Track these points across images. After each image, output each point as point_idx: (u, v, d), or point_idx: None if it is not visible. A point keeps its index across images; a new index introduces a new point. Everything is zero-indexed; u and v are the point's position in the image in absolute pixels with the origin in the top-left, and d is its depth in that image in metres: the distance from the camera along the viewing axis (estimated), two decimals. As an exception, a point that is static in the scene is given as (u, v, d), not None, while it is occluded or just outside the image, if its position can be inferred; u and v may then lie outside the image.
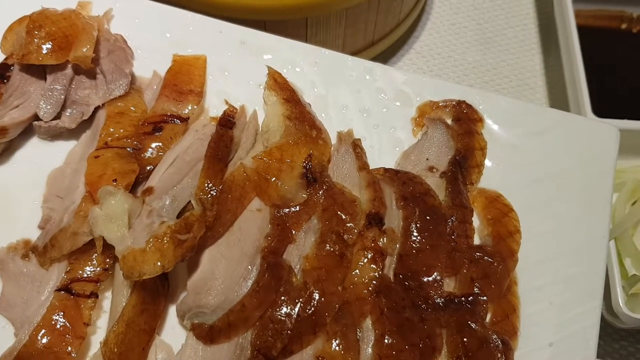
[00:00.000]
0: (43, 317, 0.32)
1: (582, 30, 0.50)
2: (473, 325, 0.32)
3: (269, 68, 0.40)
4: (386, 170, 0.37)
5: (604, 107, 0.46)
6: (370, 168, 0.37)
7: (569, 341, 0.34)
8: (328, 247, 0.33)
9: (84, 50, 0.38)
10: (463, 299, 0.32)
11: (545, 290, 0.35)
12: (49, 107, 0.37)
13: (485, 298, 0.33)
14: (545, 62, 0.54)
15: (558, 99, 0.51)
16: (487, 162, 0.38)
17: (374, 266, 0.33)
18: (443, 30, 0.55)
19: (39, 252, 0.34)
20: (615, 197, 0.45)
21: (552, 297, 0.35)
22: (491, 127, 0.39)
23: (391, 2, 0.48)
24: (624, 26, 0.53)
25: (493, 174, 0.38)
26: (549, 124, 0.39)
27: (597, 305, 0.35)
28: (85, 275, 0.33)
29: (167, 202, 0.34)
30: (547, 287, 0.35)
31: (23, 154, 0.38)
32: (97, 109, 0.38)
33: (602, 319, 0.42)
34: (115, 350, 0.30)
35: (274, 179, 0.35)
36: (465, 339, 0.31)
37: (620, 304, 0.39)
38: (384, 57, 0.53)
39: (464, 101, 0.39)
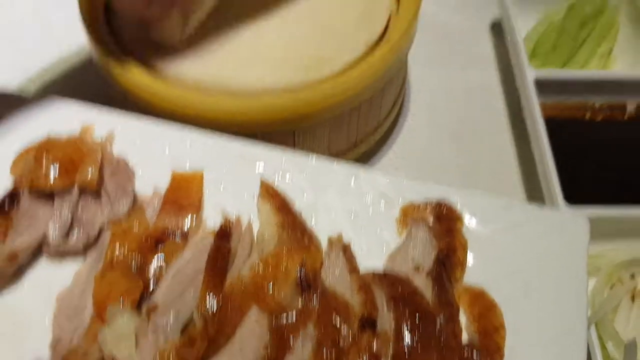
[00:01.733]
0: None
1: (549, 122, 0.54)
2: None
3: (262, 179, 0.43)
4: (375, 273, 0.40)
5: (576, 194, 0.49)
6: (360, 270, 0.40)
7: None
8: (325, 355, 0.35)
9: (89, 174, 0.41)
10: (455, 396, 0.34)
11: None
12: (57, 230, 0.40)
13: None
14: (519, 152, 0.57)
15: (533, 187, 0.55)
16: (469, 257, 0.41)
17: (368, 369, 0.35)
18: (419, 128, 0.58)
19: (50, 373, 0.35)
20: (594, 282, 0.47)
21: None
22: (470, 223, 0.42)
23: (370, 106, 0.52)
24: (588, 115, 0.58)
25: (474, 269, 0.40)
26: (523, 218, 0.42)
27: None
28: (95, 394, 0.34)
29: (171, 319, 0.36)
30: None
31: (32, 275, 0.40)
32: (102, 228, 0.41)
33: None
34: None
35: (270, 287, 0.37)
36: None
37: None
38: (367, 156, 0.57)
39: (444, 201, 0.42)
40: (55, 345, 0.37)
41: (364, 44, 0.51)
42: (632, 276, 0.49)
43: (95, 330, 0.35)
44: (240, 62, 0.50)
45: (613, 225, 0.49)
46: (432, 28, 0.66)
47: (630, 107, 0.57)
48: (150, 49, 0.51)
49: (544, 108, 0.55)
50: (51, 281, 0.40)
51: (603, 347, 0.44)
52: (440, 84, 0.63)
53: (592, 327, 0.43)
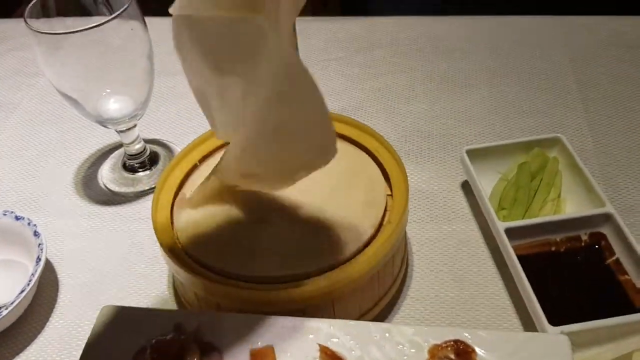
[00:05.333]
0: None
1: (523, 259, 0.69)
2: None
3: (319, 344, 0.56)
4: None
5: (559, 316, 0.63)
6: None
7: None
8: None
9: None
10: None
11: None
12: None
13: None
14: (507, 287, 0.72)
15: (524, 314, 0.69)
16: (486, 381, 0.54)
17: None
18: (424, 277, 0.73)
19: None
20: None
21: None
22: (481, 354, 0.56)
23: (385, 271, 0.68)
24: (553, 249, 0.73)
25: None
26: (518, 344, 0.55)
27: None
28: None
29: None
30: None
31: None
32: None
33: None
34: None
35: None
36: None
37: None
38: (390, 306, 0.71)
39: (459, 340, 0.56)
40: None
41: (371, 227, 0.67)
42: (618, 372, 0.61)
43: None
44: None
45: (592, 335, 0.62)
46: (415, 193, 0.84)
47: (584, 237, 0.73)
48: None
49: (517, 249, 0.70)
50: None
51: None
52: (433, 238, 0.79)
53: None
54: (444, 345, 0.56)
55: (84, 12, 0.81)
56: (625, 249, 0.70)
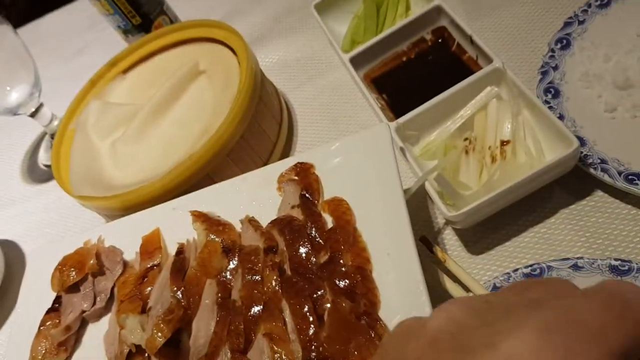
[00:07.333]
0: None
1: (379, 79, 0.74)
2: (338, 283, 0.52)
3: (191, 211, 0.64)
4: (270, 222, 0.60)
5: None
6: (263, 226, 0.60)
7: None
8: (249, 278, 0.55)
9: (92, 263, 0.64)
10: (328, 260, 0.53)
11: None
12: (87, 303, 0.63)
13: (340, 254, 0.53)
14: (378, 115, 0.77)
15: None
16: (323, 186, 0.60)
17: (274, 273, 0.54)
18: (310, 135, 0.80)
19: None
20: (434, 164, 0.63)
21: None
22: (319, 167, 0.62)
23: (252, 136, 0.74)
24: (404, 59, 0.77)
25: (326, 192, 0.60)
26: (347, 148, 0.61)
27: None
28: (136, 370, 0.55)
29: (159, 308, 0.57)
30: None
31: (87, 336, 0.63)
32: (112, 288, 0.63)
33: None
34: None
35: (208, 262, 0.58)
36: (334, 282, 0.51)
37: (448, 214, 0.57)
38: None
39: (298, 162, 0.63)
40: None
41: (229, 103, 0.74)
42: (466, 139, 0.66)
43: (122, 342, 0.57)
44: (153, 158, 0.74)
45: (431, 117, 0.67)
46: (286, 63, 0.89)
47: (428, 37, 0.77)
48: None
49: (371, 72, 0.75)
50: (100, 333, 0.62)
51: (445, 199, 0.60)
52: (311, 93, 0.85)
53: (431, 185, 0.60)
54: (287, 171, 0.63)
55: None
56: (460, 33, 0.73)
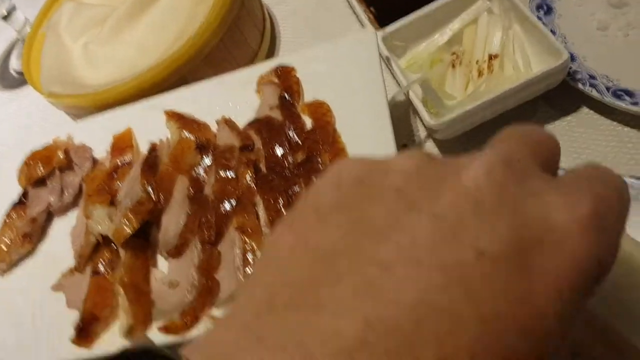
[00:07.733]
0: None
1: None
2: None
3: (165, 110, 0.62)
4: (247, 123, 0.58)
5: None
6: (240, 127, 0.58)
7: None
8: (223, 175, 0.53)
9: (59, 157, 0.62)
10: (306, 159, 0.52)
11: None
12: (54, 197, 0.61)
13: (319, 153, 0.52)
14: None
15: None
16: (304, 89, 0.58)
17: (249, 170, 0.53)
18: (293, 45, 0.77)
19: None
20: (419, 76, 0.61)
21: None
22: (301, 71, 0.60)
23: (232, 40, 0.71)
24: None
25: (307, 93, 0.58)
26: (335, 52, 0.58)
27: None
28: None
29: (128, 201, 0.55)
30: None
31: (53, 229, 0.61)
32: (81, 185, 0.61)
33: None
34: (125, 279, 0.50)
35: (181, 158, 0.56)
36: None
37: (430, 122, 0.56)
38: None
39: (280, 65, 0.60)
40: (74, 253, 0.57)
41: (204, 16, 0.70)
42: (453, 53, 0.64)
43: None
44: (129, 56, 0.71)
45: (419, 28, 0.65)
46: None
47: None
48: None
49: None
50: (68, 227, 0.60)
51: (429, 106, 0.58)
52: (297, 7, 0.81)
53: (416, 94, 0.58)
54: (267, 74, 0.61)
55: None
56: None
